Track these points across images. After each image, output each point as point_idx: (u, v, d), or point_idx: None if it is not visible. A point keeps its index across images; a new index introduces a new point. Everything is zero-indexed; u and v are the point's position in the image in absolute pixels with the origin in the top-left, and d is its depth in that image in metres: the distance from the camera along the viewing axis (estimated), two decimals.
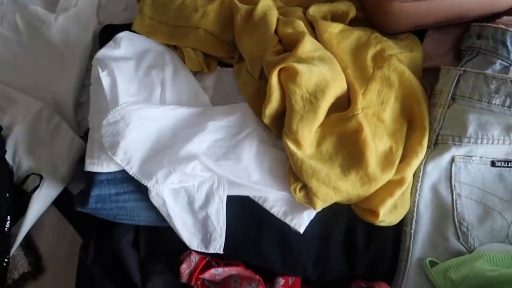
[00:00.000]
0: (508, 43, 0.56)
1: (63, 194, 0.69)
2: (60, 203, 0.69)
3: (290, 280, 0.58)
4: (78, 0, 0.76)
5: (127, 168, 0.55)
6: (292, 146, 0.53)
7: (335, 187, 0.53)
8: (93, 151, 0.56)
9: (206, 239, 0.57)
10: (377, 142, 0.54)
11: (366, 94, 0.57)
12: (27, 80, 0.72)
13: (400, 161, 0.56)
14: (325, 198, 0.53)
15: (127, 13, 0.76)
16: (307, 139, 0.53)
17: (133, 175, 0.55)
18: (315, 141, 0.54)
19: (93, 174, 0.56)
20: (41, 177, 0.65)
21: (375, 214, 0.53)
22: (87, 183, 0.57)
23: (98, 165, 0.55)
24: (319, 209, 0.54)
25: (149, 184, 0.54)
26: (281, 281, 0.58)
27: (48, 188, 0.66)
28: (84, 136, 0.67)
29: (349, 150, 0.54)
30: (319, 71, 0.53)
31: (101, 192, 0.55)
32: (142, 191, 0.56)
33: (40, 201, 0.66)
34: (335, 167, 0.53)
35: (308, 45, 0.55)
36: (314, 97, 0.52)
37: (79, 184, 0.69)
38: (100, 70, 0.57)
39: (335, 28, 0.60)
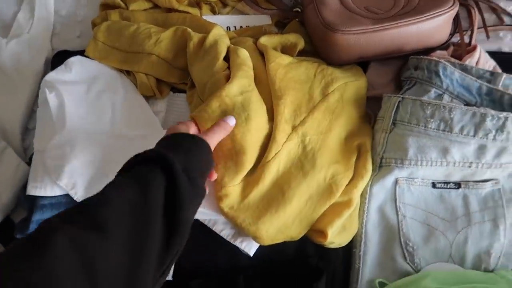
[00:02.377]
0: (441, 73, 0.60)
1: (3, 222, 0.64)
2: (0, 232, 0.64)
3: None
4: (31, 26, 0.74)
5: (71, 193, 0.53)
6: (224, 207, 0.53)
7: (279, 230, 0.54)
8: (36, 174, 0.54)
9: None
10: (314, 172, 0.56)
11: (307, 121, 0.58)
12: None
13: (348, 184, 0.57)
14: (271, 240, 0.54)
15: (81, 40, 0.75)
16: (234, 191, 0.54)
17: (77, 201, 0.53)
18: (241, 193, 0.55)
19: (36, 198, 0.54)
20: None
21: (324, 235, 0.54)
22: (29, 207, 0.54)
23: (41, 189, 0.53)
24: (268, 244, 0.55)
25: None
26: None
27: None
28: (30, 162, 0.64)
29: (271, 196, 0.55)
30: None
31: (43, 217, 0.53)
32: None
33: None
34: (267, 211, 0.54)
35: (235, 89, 0.56)
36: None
37: (22, 212, 0.65)
38: (47, 92, 0.56)
39: (284, 60, 0.62)
